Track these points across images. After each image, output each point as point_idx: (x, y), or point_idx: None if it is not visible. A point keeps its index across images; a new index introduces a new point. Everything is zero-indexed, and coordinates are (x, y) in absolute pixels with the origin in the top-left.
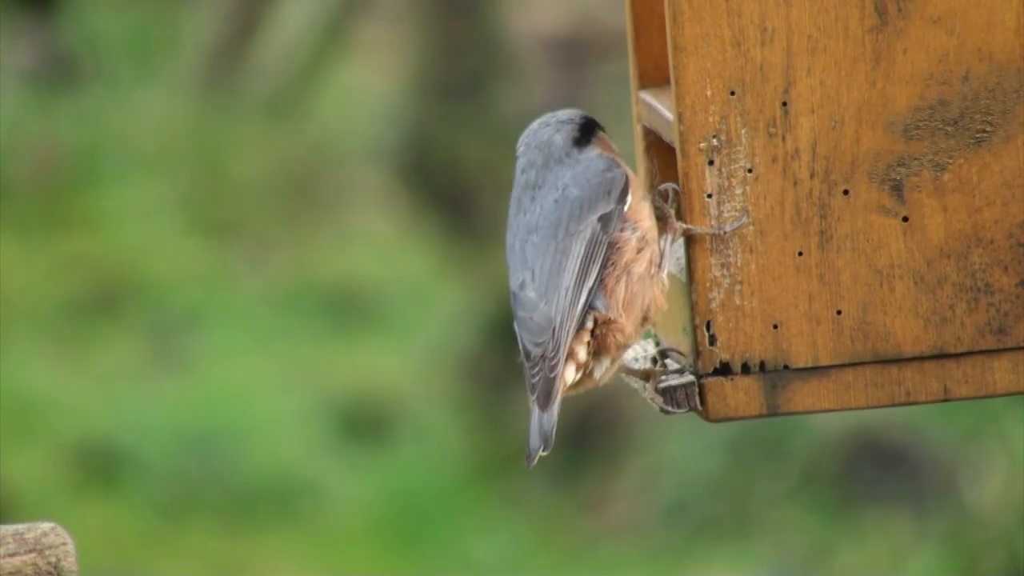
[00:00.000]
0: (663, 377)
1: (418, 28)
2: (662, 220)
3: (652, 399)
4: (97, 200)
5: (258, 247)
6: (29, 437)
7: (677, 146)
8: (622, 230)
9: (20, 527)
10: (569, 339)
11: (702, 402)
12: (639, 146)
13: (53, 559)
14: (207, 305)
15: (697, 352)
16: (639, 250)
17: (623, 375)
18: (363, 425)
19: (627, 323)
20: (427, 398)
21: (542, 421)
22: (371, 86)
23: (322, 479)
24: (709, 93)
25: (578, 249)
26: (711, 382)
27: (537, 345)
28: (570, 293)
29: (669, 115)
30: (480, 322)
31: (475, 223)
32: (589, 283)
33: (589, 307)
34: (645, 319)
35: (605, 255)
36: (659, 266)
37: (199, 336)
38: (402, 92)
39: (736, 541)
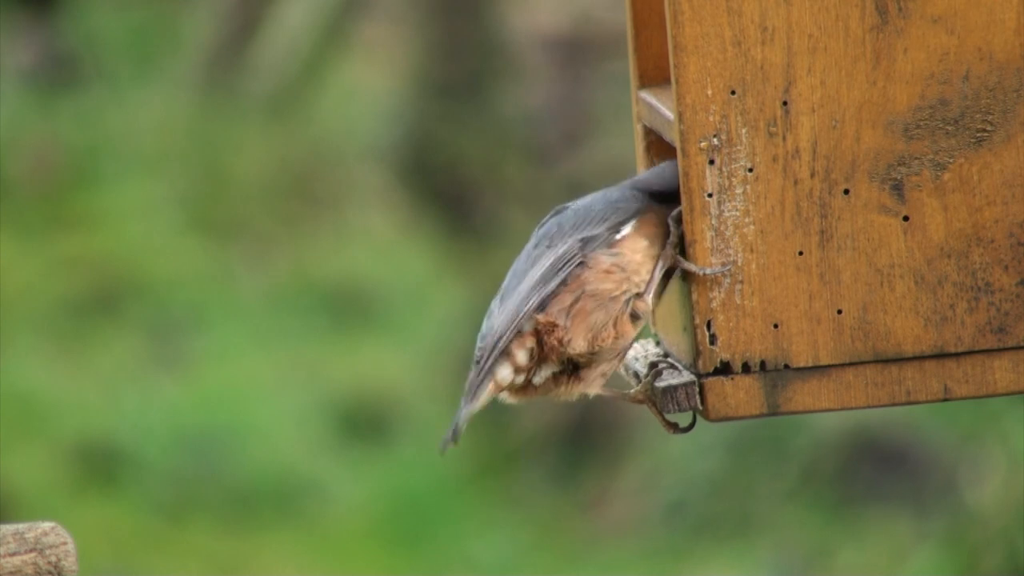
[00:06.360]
0: (662, 377)
1: (418, 28)
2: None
3: (663, 424)
4: (97, 200)
5: (258, 247)
6: (29, 437)
7: (677, 145)
8: (601, 253)
9: (20, 526)
10: (508, 339)
11: (702, 402)
12: (640, 146)
13: (53, 558)
14: (207, 305)
15: (697, 352)
16: (608, 272)
17: (615, 397)
18: (363, 425)
19: (574, 335)
20: (427, 398)
21: (459, 413)
22: (371, 86)
23: (322, 479)
24: (710, 92)
25: (545, 260)
26: (711, 382)
27: (481, 348)
28: (522, 297)
29: (669, 114)
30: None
31: (475, 223)
32: (545, 291)
33: (537, 310)
34: (599, 340)
35: (572, 270)
36: (631, 297)
37: (199, 336)
38: (402, 92)
39: (736, 541)
